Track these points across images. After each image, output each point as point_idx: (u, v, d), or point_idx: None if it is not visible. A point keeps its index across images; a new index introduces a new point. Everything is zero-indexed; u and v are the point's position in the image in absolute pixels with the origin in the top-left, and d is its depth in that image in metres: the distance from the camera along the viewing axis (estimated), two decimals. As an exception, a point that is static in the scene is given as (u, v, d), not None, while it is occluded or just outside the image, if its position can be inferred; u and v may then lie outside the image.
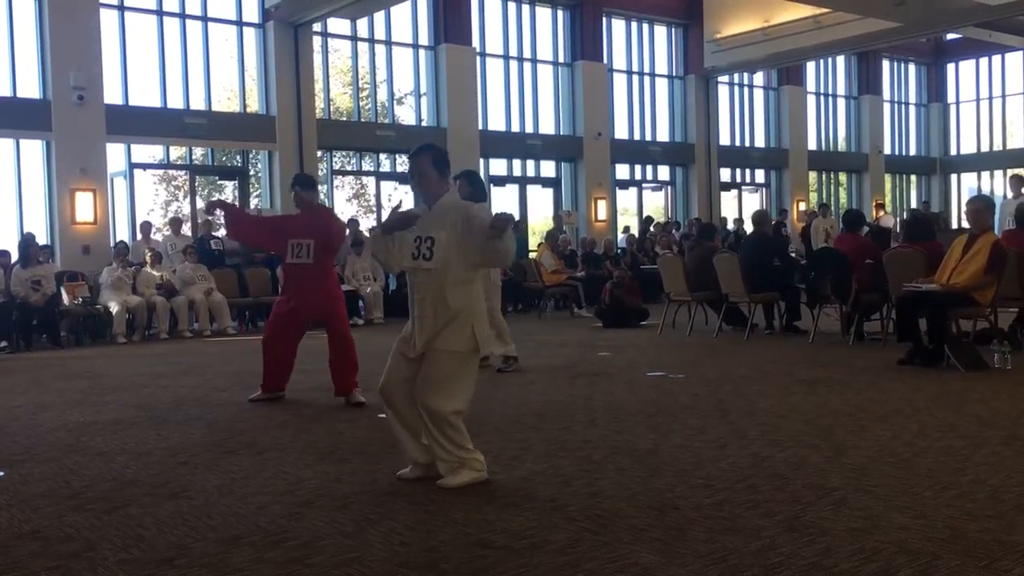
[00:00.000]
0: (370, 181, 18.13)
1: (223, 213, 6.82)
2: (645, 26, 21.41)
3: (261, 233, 7.11)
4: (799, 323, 10.37)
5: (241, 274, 13.28)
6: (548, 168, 19.99)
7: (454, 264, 4.10)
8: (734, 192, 23.28)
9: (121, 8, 14.59)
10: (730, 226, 19.88)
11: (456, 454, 4.09)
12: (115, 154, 14.58)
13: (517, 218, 9.97)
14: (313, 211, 6.65)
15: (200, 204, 15.79)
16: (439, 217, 4.15)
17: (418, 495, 3.99)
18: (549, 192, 20.11)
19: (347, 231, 11.43)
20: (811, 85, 24.63)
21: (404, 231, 4.19)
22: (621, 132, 20.86)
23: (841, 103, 25.82)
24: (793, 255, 12.33)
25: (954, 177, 28.18)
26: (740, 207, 23.09)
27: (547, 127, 19.73)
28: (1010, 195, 15.82)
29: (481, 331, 4.13)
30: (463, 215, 4.14)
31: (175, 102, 15.19)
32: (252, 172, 16.77)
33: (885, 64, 26.56)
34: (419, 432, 4.25)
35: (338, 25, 17.08)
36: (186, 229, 14.83)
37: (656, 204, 22.02)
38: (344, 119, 17.85)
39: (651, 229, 18.71)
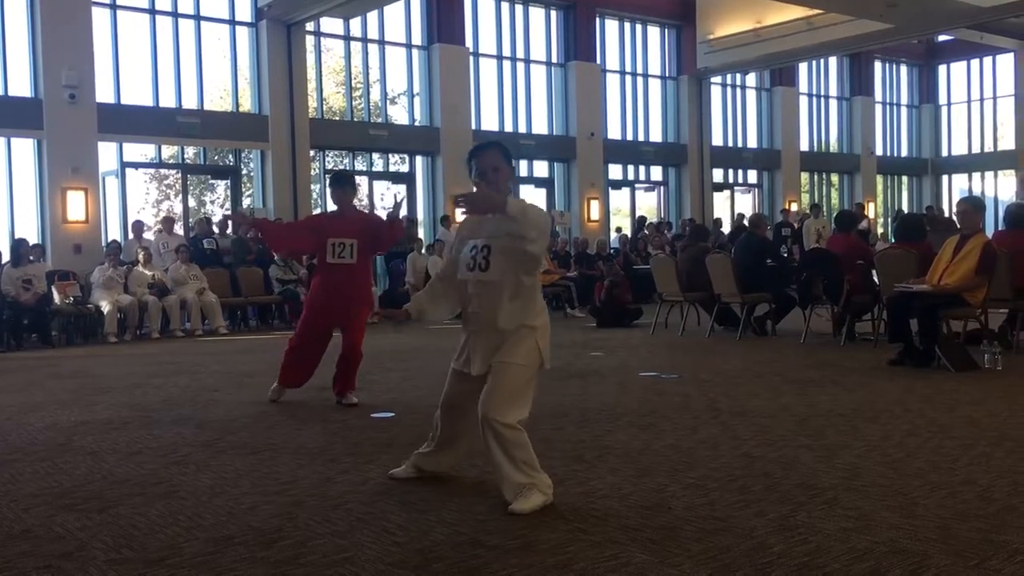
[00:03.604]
0: (363, 181, 18.11)
1: (258, 232, 6.64)
2: (638, 26, 21.45)
3: (302, 239, 6.77)
4: (777, 326, 10.35)
5: (233, 274, 13.26)
6: (541, 168, 20.01)
7: (511, 274, 3.73)
8: (726, 193, 23.34)
9: (113, 7, 14.56)
10: (724, 228, 19.87)
11: (528, 475, 3.73)
12: (107, 153, 14.56)
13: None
14: (356, 211, 6.63)
15: (191, 203, 15.74)
16: (499, 223, 3.69)
17: (410, 495, 3.99)
18: (542, 192, 20.12)
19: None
20: (803, 86, 24.72)
21: (461, 246, 3.93)
22: (614, 132, 20.90)
23: (833, 104, 25.91)
24: (786, 255, 12.32)
25: (945, 178, 28.30)
26: (732, 208, 23.16)
27: (540, 127, 19.76)
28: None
29: (545, 345, 3.85)
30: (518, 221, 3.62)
31: (167, 101, 15.17)
32: (244, 171, 16.74)
33: (877, 65, 26.67)
34: (447, 447, 4.17)
35: (331, 24, 17.08)
36: (178, 228, 14.80)
37: (649, 204, 22.06)
38: (337, 118, 17.85)
39: (644, 230, 18.73)
